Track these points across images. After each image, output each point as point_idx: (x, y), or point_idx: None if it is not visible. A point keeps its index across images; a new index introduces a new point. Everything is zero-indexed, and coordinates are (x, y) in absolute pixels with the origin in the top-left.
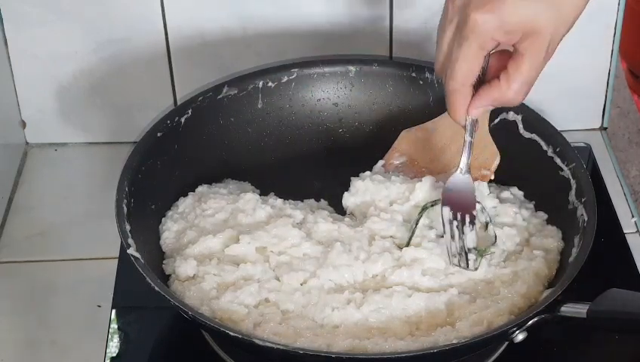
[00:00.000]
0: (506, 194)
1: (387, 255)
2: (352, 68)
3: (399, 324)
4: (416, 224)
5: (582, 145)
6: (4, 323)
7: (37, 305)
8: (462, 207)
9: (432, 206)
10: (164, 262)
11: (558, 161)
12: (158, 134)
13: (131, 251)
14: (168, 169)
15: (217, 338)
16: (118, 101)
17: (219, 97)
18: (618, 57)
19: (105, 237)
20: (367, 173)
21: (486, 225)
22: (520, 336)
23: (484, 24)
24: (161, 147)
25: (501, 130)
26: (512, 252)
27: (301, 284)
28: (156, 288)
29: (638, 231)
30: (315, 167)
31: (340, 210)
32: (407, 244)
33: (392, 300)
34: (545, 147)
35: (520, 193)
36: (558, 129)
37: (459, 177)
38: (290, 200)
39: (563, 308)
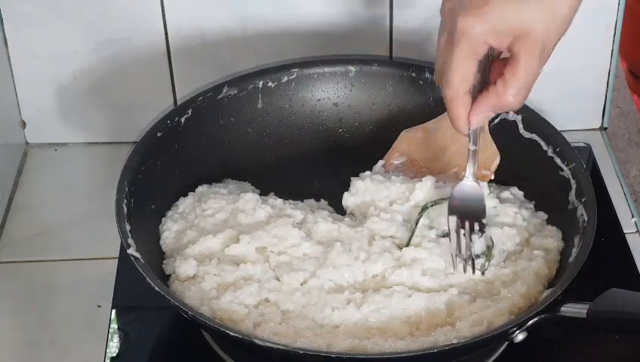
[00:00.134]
0: (506, 194)
1: (387, 255)
2: (352, 68)
3: (399, 324)
4: (416, 224)
5: (582, 145)
6: (4, 323)
7: (37, 305)
8: (470, 216)
9: (432, 206)
10: (164, 262)
11: (558, 161)
12: (158, 134)
13: (131, 251)
14: (168, 169)
15: (217, 338)
16: (118, 101)
17: (219, 97)
18: (618, 57)
19: (105, 237)
20: (367, 173)
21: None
22: (520, 336)
23: (473, 28)
24: (161, 147)
25: (501, 130)
26: (512, 252)
27: (301, 284)
28: (156, 288)
29: (638, 231)
30: (315, 167)
31: (340, 210)
32: (407, 244)
33: (392, 300)
34: (545, 147)
35: (520, 193)
36: (558, 129)
37: (466, 185)
38: (290, 200)
39: (563, 308)
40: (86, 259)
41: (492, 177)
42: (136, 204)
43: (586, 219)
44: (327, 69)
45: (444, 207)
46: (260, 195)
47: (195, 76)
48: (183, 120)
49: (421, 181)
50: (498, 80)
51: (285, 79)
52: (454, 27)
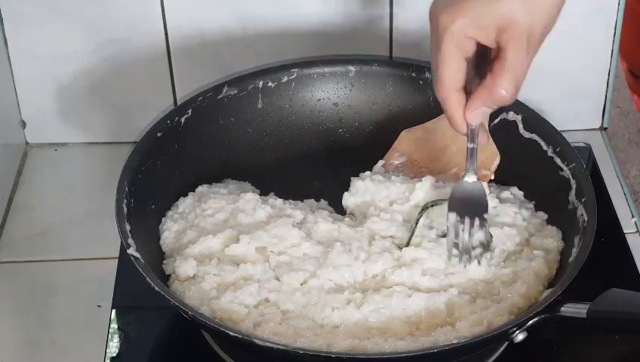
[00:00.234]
0: (506, 194)
1: (387, 255)
2: (352, 68)
3: (399, 324)
4: (416, 223)
5: (582, 145)
6: (4, 323)
7: (37, 305)
8: (470, 212)
9: (433, 206)
10: (164, 262)
11: (558, 161)
12: (158, 134)
13: (131, 251)
14: (168, 169)
15: (217, 338)
16: (118, 101)
17: (219, 97)
18: (618, 57)
19: (105, 237)
20: (367, 173)
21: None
22: (520, 336)
23: (453, 23)
24: (161, 147)
25: (501, 130)
26: (512, 252)
27: (301, 284)
28: (156, 288)
29: (638, 231)
30: (315, 167)
31: (340, 210)
32: (407, 244)
33: (392, 300)
34: (545, 147)
35: (520, 193)
36: (558, 129)
37: (465, 183)
38: (290, 200)
39: (563, 308)
40: (86, 259)
41: (492, 177)
42: (136, 204)
43: (586, 219)
44: (327, 69)
45: (444, 207)
46: (260, 195)
47: (195, 76)
48: (183, 120)
49: (421, 181)
50: (488, 74)
51: (285, 79)
52: (437, 25)
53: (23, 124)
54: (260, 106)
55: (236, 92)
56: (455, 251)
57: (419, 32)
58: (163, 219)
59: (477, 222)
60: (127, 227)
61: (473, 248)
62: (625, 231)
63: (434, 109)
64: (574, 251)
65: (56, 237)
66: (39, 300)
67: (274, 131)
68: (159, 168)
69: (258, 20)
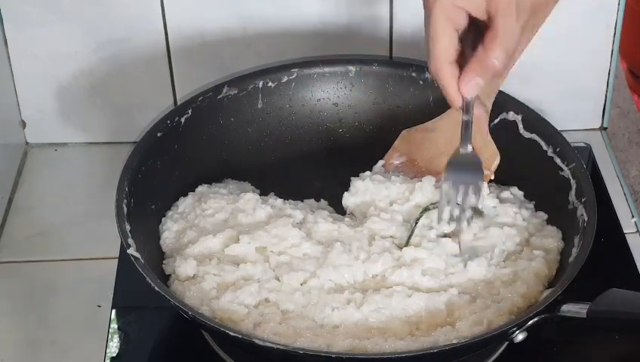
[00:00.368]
0: (506, 194)
1: (387, 255)
2: (352, 68)
3: (399, 324)
4: (416, 223)
5: (582, 145)
6: (4, 323)
7: (37, 305)
8: (466, 180)
9: (434, 208)
10: (164, 262)
11: (558, 161)
12: (158, 134)
13: (131, 251)
14: (168, 169)
15: (217, 339)
16: (118, 101)
17: (219, 97)
18: (618, 57)
19: (105, 237)
20: (367, 173)
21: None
22: (520, 336)
23: None
24: (161, 147)
25: (501, 130)
26: (512, 252)
27: (301, 284)
28: (156, 288)
29: (638, 231)
30: (315, 167)
31: (340, 210)
32: (406, 244)
33: (392, 300)
34: (545, 147)
35: (520, 193)
36: (558, 129)
37: (462, 154)
38: (290, 200)
39: (563, 308)
40: (86, 259)
41: (492, 177)
42: (136, 204)
43: (586, 219)
44: (327, 69)
45: None
46: (260, 195)
47: (195, 76)
48: (183, 120)
49: (421, 181)
50: (479, 45)
51: (285, 79)
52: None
53: (23, 124)
54: (260, 106)
55: (236, 92)
56: (445, 215)
57: (419, 32)
58: (163, 219)
59: (471, 188)
60: (127, 227)
61: (464, 209)
62: (625, 231)
63: (434, 109)
64: (574, 251)
65: (56, 237)
66: (39, 300)
67: (274, 131)
68: (159, 168)
69: (258, 20)
